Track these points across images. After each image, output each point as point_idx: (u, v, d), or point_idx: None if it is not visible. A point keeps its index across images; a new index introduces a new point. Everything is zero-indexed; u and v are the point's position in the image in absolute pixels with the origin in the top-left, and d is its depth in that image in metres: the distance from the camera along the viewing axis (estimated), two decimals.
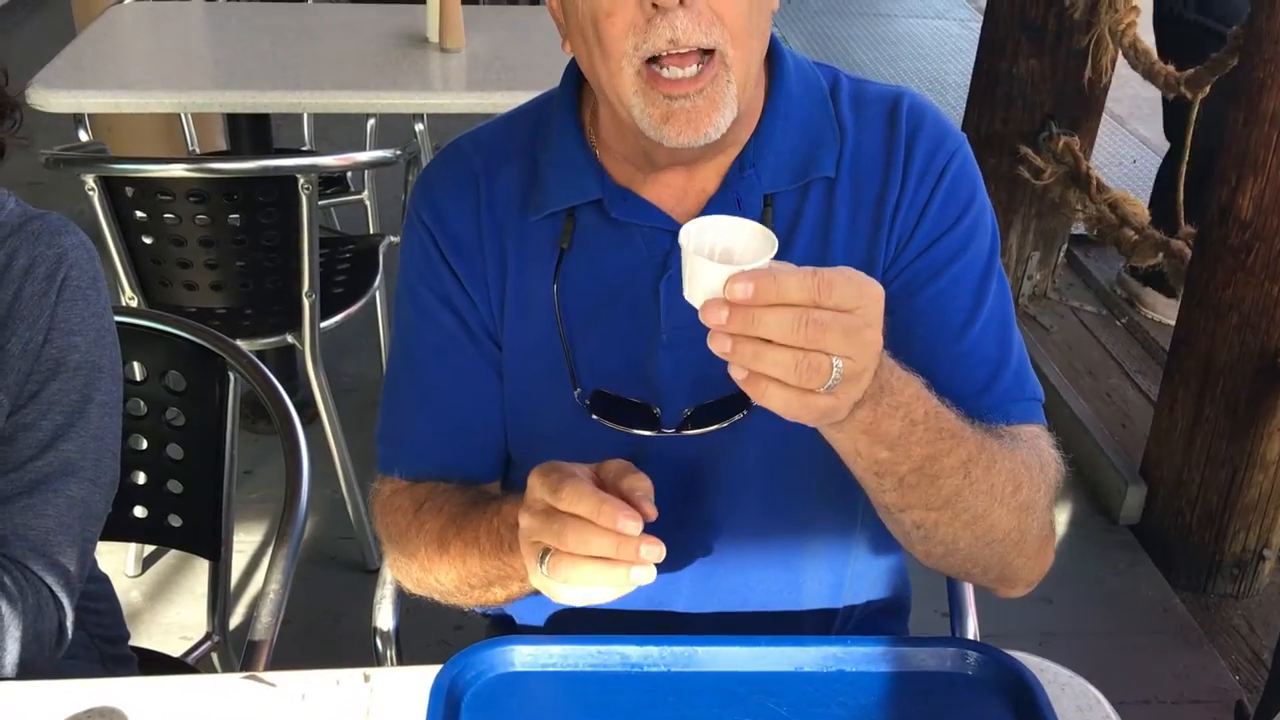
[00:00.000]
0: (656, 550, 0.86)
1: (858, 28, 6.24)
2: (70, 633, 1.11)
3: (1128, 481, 2.61)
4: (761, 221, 1.04)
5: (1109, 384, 3.20)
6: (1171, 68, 2.77)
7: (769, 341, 0.78)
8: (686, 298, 0.81)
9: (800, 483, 1.11)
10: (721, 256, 0.82)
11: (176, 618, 2.27)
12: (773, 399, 0.80)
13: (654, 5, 0.92)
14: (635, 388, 1.09)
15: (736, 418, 1.06)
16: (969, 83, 3.39)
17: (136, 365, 1.51)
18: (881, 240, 1.07)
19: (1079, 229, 3.47)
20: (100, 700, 0.95)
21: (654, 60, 0.95)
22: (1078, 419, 2.86)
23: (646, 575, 0.87)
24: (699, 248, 0.81)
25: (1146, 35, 3.01)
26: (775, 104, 1.07)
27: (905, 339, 1.05)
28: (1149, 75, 2.83)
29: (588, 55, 1.00)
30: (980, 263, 1.07)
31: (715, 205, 1.06)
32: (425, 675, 0.97)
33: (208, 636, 1.57)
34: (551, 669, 0.99)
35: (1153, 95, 2.88)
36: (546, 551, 0.89)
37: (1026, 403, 1.08)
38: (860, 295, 0.79)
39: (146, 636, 2.21)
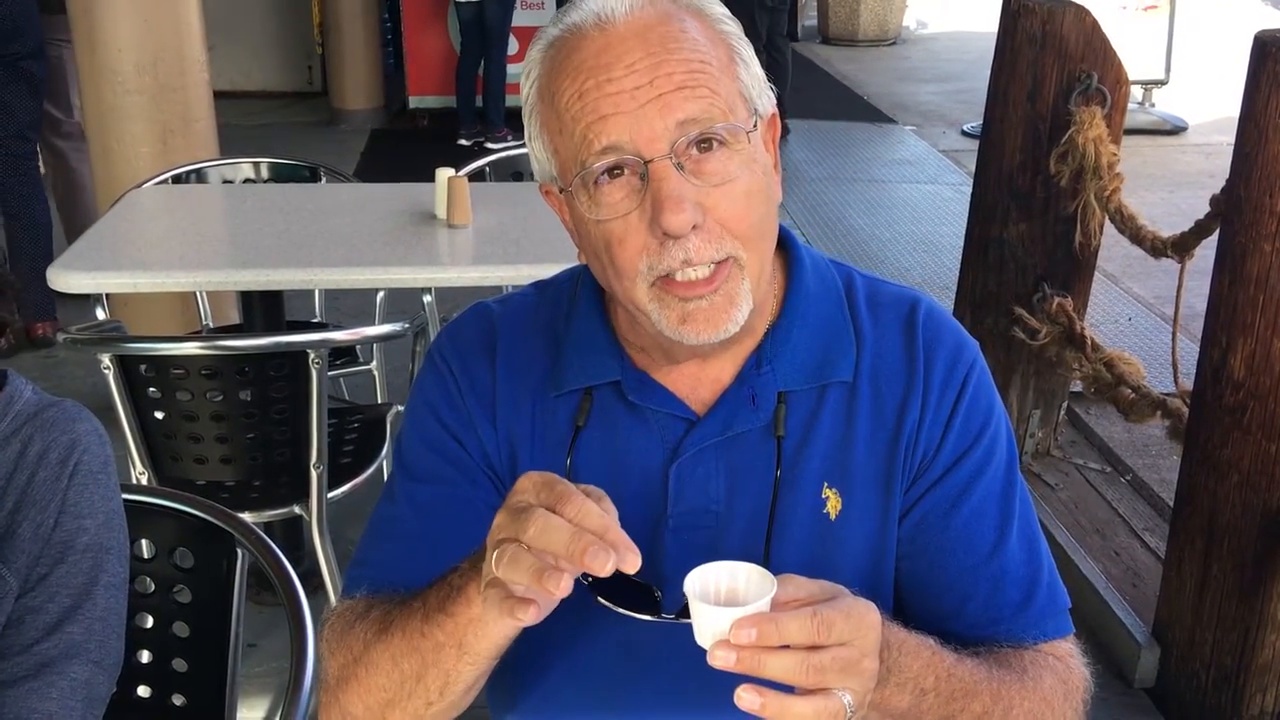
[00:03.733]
0: (603, 556, 0.84)
1: (854, 193, 6.43)
2: None
3: (1141, 644, 2.58)
4: (774, 419, 1.08)
5: (1117, 542, 3.18)
6: (1158, 231, 2.85)
7: None
8: (697, 640, 0.86)
9: None
10: (726, 597, 0.88)
11: None
12: None
13: (665, 233, 0.97)
14: (640, 572, 1.09)
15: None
16: (962, 245, 3.48)
17: (145, 543, 1.52)
18: (902, 451, 1.08)
19: (1076, 387, 3.50)
20: None
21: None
22: (1087, 580, 2.84)
23: (565, 586, 0.85)
24: (703, 592, 0.87)
25: (1136, 196, 3.10)
26: (793, 302, 1.10)
27: (941, 563, 1.09)
28: (1136, 240, 2.91)
29: (602, 270, 1.04)
30: (1003, 473, 1.10)
31: (729, 398, 1.08)
32: None
33: None
34: None
35: (1144, 254, 2.95)
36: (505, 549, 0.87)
37: (1058, 616, 1.10)
38: (858, 628, 0.84)
39: None
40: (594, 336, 1.12)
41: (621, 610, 1.07)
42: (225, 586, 1.50)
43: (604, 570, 0.83)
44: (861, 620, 0.84)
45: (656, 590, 1.08)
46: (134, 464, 2.23)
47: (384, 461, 2.60)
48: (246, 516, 2.15)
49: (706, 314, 0.99)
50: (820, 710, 0.82)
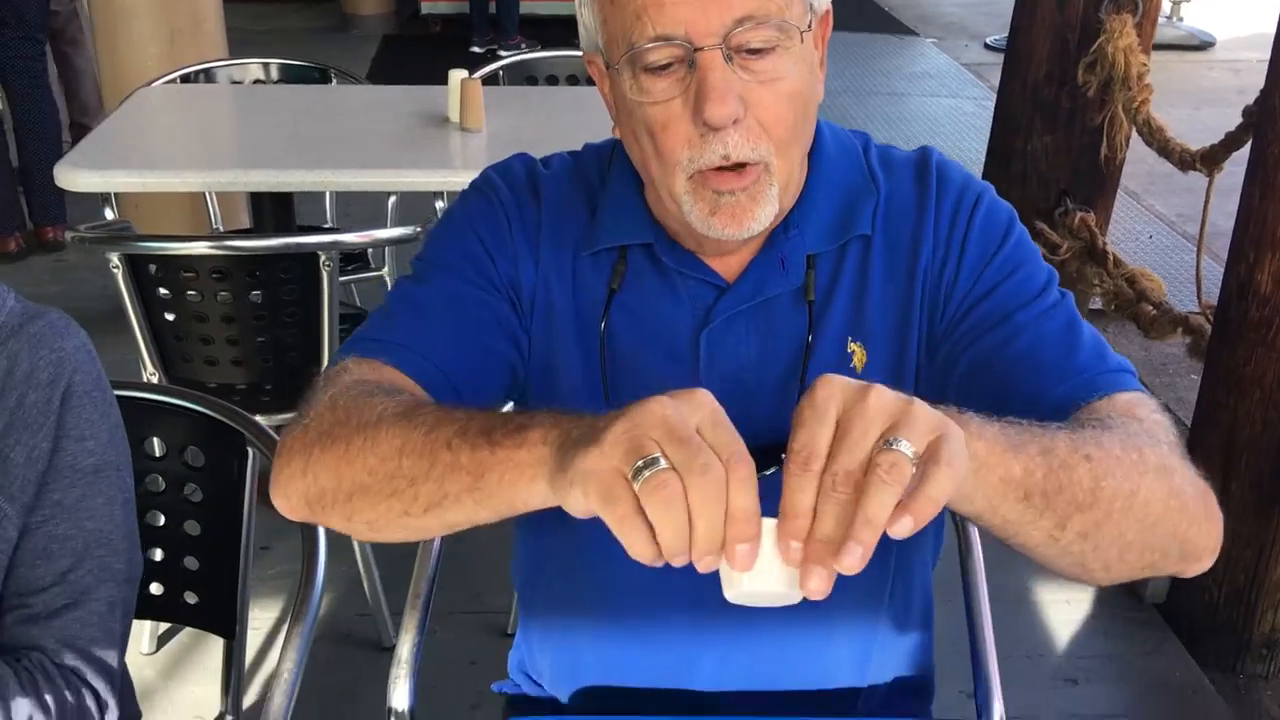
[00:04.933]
0: (749, 558, 0.73)
1: (874, 107, 6.32)
2: None
3: None
4: (805, 283, 1.08)
5: None
6: (1186, 144, 2.79)
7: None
8: (737, 593, 0.76)
9: None
10: None
11: (191, 696, 2.25)
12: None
13: (706, 123, 0.96)
14: None
15: (767, 472, 1.06)
16: (984, 159, 3.41)
17: (156, 441, 1.51)
18: (917, 293, 1.09)
19: (1096, 304, 3.46)
20: None
21: None
22: None
23: (680, 563, 0.73)
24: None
25: (1160, 112, 3.03)
26: (817, 171, 1.11)
27: (972, 355, 1.06)
28: (1164, 152, 2.85)
29: (640, 153, 1.04)
30: (1039, 274, 1.07)
31: (759, 263, 1.09)
32: None
33: (221, 716, 1.55)
34: None
35: (1167, 171, 2.89)
36: (652, 464, 0.71)
37: (1113, 374, 1.01)
38: (822, 401, 0.74)
39: (161, 716, 2.19)
40: (629, 202, 1.12)
41: None
42: (236, 486, 1.49)
43: (741, 568, 0.73)
44: (814, 396, 0.74)
45: None
46: (144, 366, 2.21)
47: None
48: (258, 420, 2.14)
49: (733, 210, 1.01)
50: (884, 501, 0.70)
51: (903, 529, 0.70)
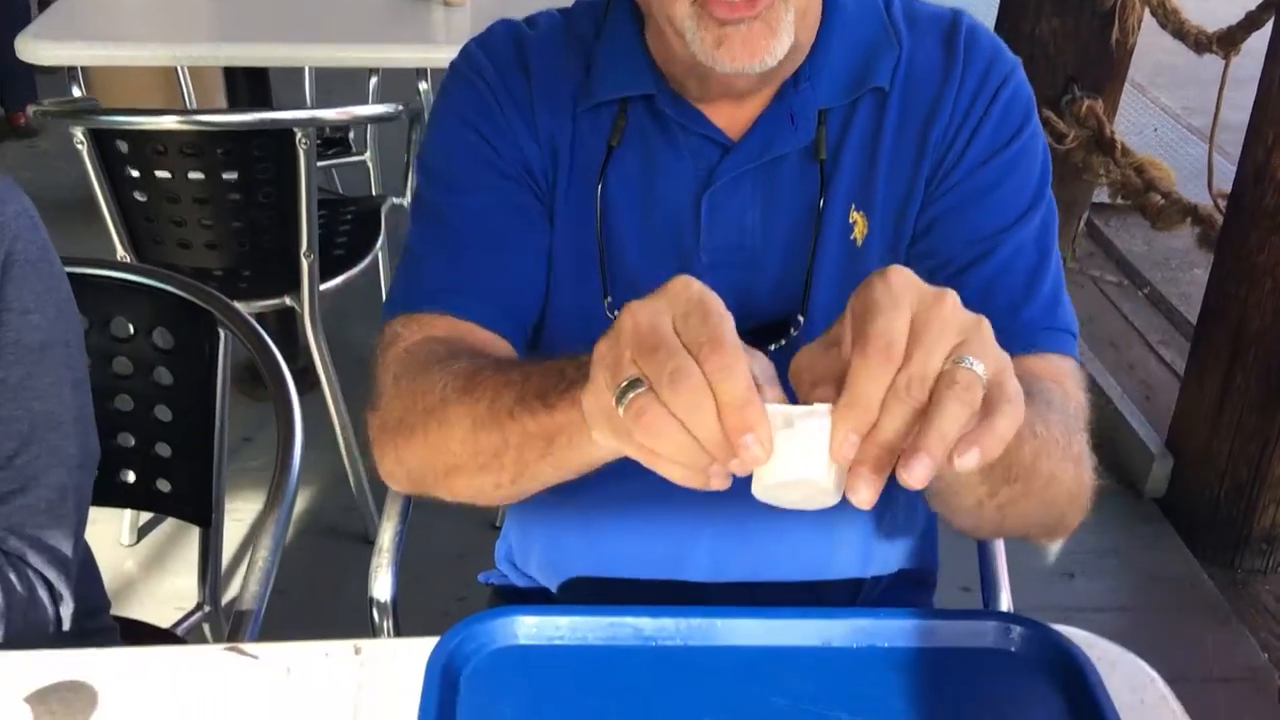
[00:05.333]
0: (758, 453, 0.65)
1: None
2: (67, 622, 1.05)
3: (1154, 455, 2.53)
4: (816, 141, 1.00)
5: (1132, 355, 3.12)
6: (1202, 26, 2.67)
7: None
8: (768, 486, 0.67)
9: None
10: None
11: (172, 588, 2.21)
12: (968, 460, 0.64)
13: None
14: None
15: (773, 346, 1.00)
16: None
17: (122, 321, 1.43)
18: (929, 156, 1.01)
19: (1099, 197, 3.37)
20: (69, 674, 0.87)
21: None
22: (1101, 391, 2.78)
23: (723, 482, 0.67)
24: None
25: None
26: (831, 20, 1.01)
27: (944, 259, 1.00)
28: (1178, 34, 2.73)
29: None
30: (1030, 186, 1.01)
31: (767, 118, 1.01)
32: (421, 648, 0.89)
33: (198, 607, 1.50)
34: (558, 642, 0.92)
35: (1174, 62, 2.78)
36: (633, 385, 0.65)
37: (1057, 333, 1.00)
38: (898, 292, 0.66)
39: (140, 607, 2.15)
40: (628, 51, 1.03)
41: None
42: (208, 370, 1.41)
43: (746, 470, 0.65)
44: (889, 282, 0.66)
45: None
46: (115, 249, 2.12)
47: (379, 254, 2.51)
48: (237, 306, 2.06)
49: (744, 39, 0.90)
50: (958, 418, 0.63)
51: (968, 462, 0.63)
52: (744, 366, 0.64)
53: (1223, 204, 2.50)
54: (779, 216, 1.02)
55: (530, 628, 0.92)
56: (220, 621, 1.50)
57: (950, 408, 0.63)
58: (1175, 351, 3.09)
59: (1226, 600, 2.31)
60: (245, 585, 1.17)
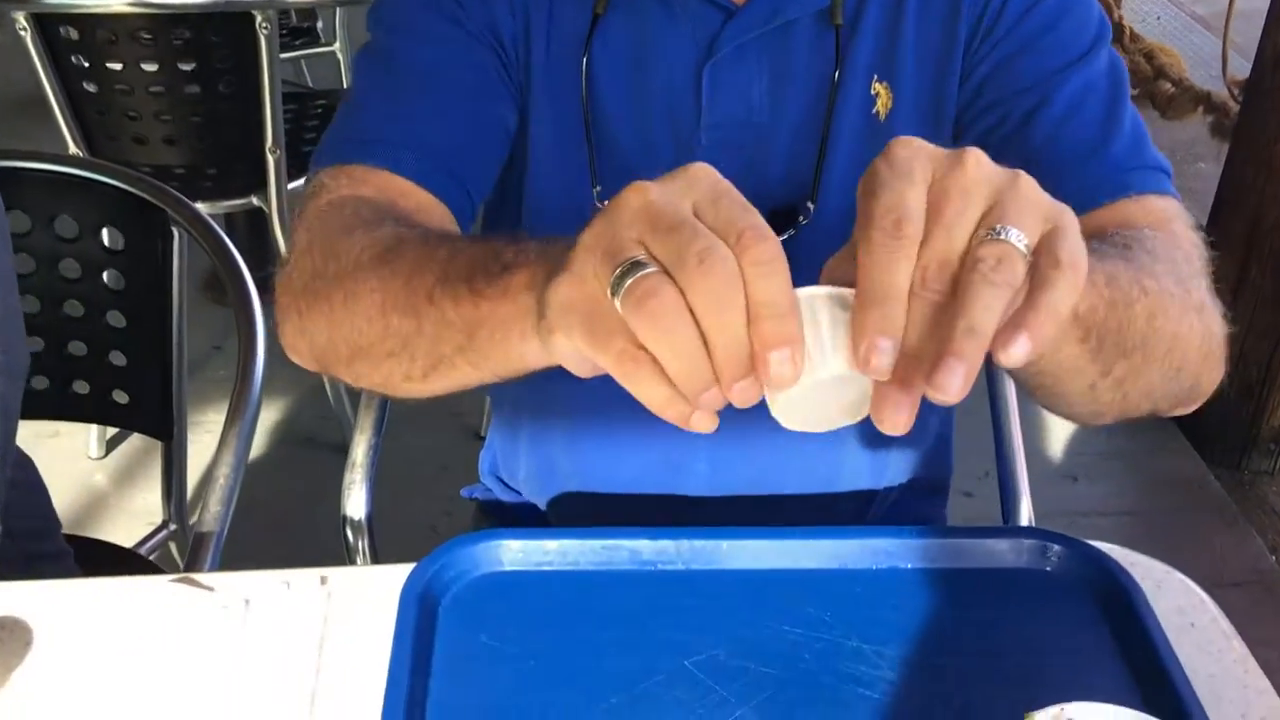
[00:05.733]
0: (789, 370, 0.52)
1: None
2: None
3: None
4: (832, 4, 0.88)
5: None
6: None
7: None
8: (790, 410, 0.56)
9: None
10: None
11: (144, 503, 2.12)
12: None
13: None
14: None
15: (781, 238, 0.90)
16: None
17: (67, 220, 1.32)
18: (964, 15, 0.90)
19: None
20: (0, 610, 0.78)
21: None
22: None
23: (708, 424, 0.55)
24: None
25: None
26: None
27: (1001, 116, 0.89)
28: None
29: None
30: (1091, 24, 0.89)
31: None
32: (395, 576, 0.80)
33: (164, 525, 1.41)
34: (547, 568, 0.83)
35: None
36: (635, 268, 0.52)
37: (1149, 171, 0.86)
38: (911, 155, 0.54)
39: (110, 524, 2.06)
40: None
41: None
42: (162, 273, 1.30)
43: (750, 400, 0.52)
44: (892, 155, 0.55)
45: None
46: (66, 145, 1.99)
47: None
48: (200, 207, 1.94)
49: None
50: (990, 305, 0.50)
51: (1017, 354, 0.51)
52: (784, 266, 0.52)
53: (1238, 91, 2.38)
54: (789, 89, 0.91)
55: (515, 552, 0.83)
56: (186, 541, 1.42)
57: (980, 294, 0.50)
58: None
59: (1234, 502, 2.25)
60: (205, 506, 1.08)
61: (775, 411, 0.57)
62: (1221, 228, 2.29)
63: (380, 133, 0.88)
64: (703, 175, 0.55)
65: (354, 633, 0.79)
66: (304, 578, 0.82)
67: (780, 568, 0.83)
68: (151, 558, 1.38)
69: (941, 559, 0.83)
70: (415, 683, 0.73)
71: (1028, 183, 0.54)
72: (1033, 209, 0.53)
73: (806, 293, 0.54)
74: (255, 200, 2.10)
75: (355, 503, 1.13)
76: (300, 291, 0.79)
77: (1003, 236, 0.52)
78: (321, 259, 0.78)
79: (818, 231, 0.91)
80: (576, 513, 1.08)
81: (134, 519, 2.06)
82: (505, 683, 0.74)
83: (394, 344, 0.73)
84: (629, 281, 0.51)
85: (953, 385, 0.50)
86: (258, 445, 2.24)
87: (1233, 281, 2.26)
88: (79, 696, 0.73)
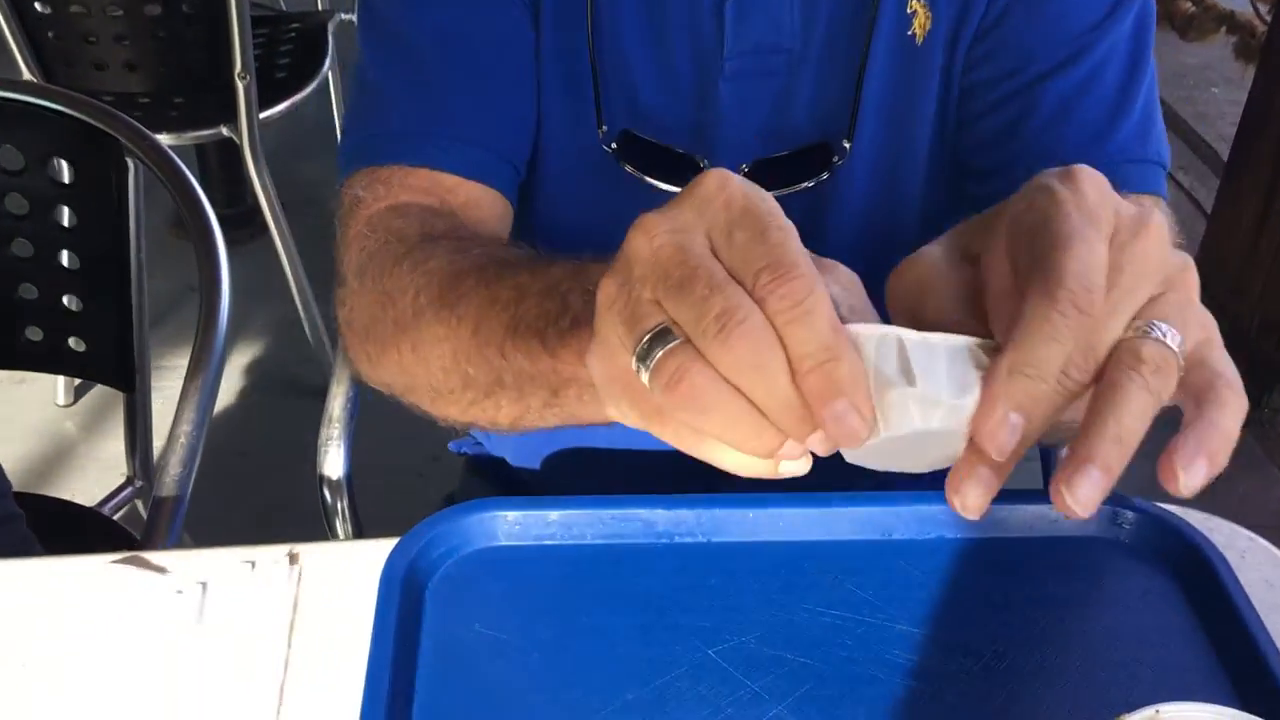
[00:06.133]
0: (857, 426, 0.43)
1: None
2: None
3: None
4: None
5: None
6: None
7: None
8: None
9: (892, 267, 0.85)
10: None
11: (114, 453, 1.98)
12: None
13: None
14: (679, 134, 0.81)
15: (809, 184, 0.79)
16: None
17: (11, 151, 1.19)
18: None
19: None
20: None
21: None
22: None
23: (801, 467, 0.46)
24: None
25: None
26: None
27: (1016, 63, 0.80)
28: None
29: None
30: None
31: None
32: (376, 552, 0.70)
33: (129, 481, 1.31)
34: (548, 542, 0.72)
35: None
36: (661, 337, 0.44)
37: (1147, 166, 0.81)
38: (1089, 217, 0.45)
39: (80, 474, 1.96)
40: None
41: (658, 182, 0.80)
42: (118, 209, 1.19)
43: (833, 449, 0.44)
44: (1082, 191, 0.45)
45: (702, 159, 0.81)
46: (20, 71, 1.86)
47: (327, 76, 2.24)
48: (165, 139, 1.81)
49: None
50: (1143, 409, 0.43)
51: (1195, 482, 0.44)
52: (825, 298, 0.43)
53: (1264, 10, 2.26)
54: (820, 7, 0.80)
55: (512, 524, 0.73)
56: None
57: (1137, 399, 0.42)
58: (1192, 176, 2.89)
59: (1253, 440, 2.16)
60: (164, 467, 0.97)
61: (849, 458, 0.47)
62: (1247, 154, 2.18)
63: (410, 125, 0.78)
64: (715, 193, 0.45)
65: (328, 620, 0.69)
66: (270, 556, 0.72)
67: (816, 539, 0.72)
68: (116, 517, 1.28)
69: (1000, 528, 0.73)
70: (398, 678, 0.63)
71: (1193, 279, 0.47)
72: (1195, 314, 0.46)
73: (910, 337, 0.44)
74: (225, 131, 1.97)
75: (333, 461, 1.03)
76: (364, 337, 0.74)
77: (1165, 339, 0.44)
78: (377, 303, 0.71)
79: (854, 172, 0.82)
80: (574, 474, 0.98)
81: (105, 470, 1.95)
82: (502, 678, 0.65)
83: (476, 394, 0.67)
84: (653, 361, 0.43)
85: (1092, 497, 0.42)
86: (231, 393, 2.14)
87: (1259, 211, 2.15)
88: (4, 697, 0.63)
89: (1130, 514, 0.73)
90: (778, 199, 0.81)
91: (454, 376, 0.67)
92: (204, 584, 0.70)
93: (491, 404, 0.66)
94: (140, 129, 1.16)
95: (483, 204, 0.79)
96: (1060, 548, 0.72)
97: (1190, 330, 0.45)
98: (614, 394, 0.48)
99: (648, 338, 0.44)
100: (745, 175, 0.80)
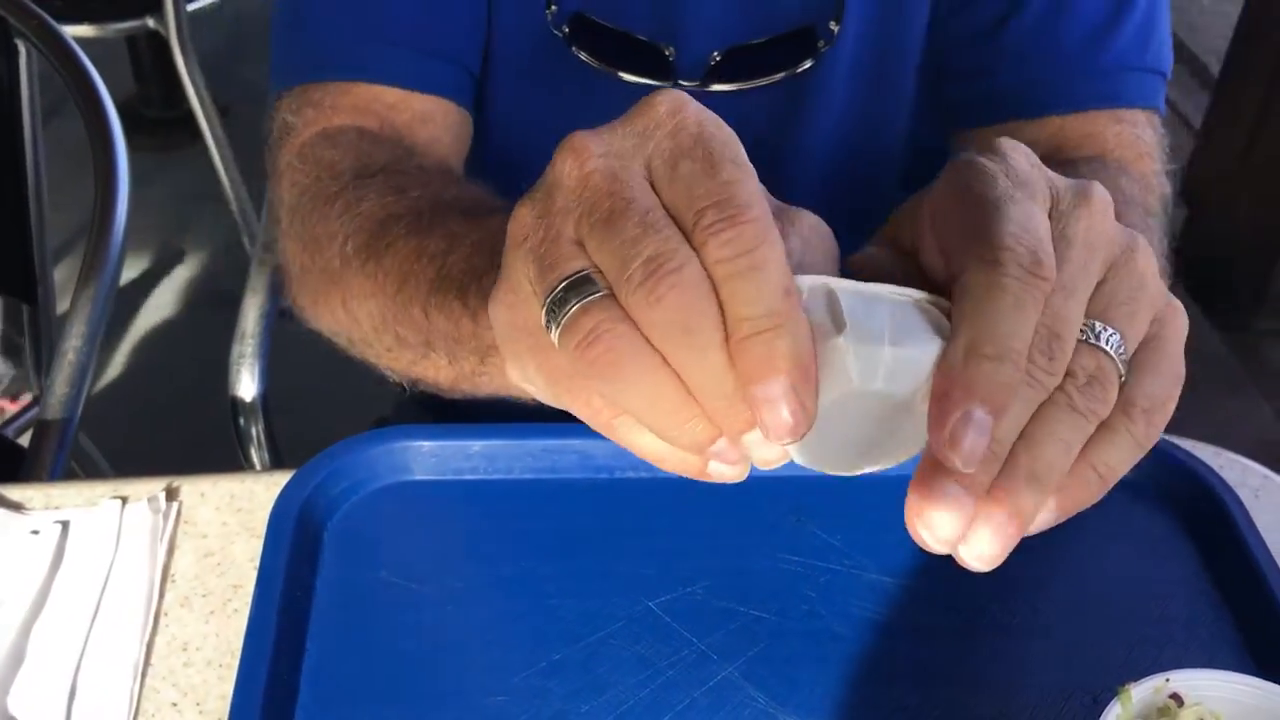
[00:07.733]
0: (798, 419, 0.33)
1: None
2: None
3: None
4: None
5: None
6: None
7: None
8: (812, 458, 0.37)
9: (875, 179, 0.75)
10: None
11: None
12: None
13: None
14: (638, 17, 0.71)
15: (783, 74, 0.69)
16: None
17: None
18: None
19: None
20: None
21: None
22: None
23: (734, 473, 0.37)
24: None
25: None
26: None
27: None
28: None
29: None
30: None
31: None
32: (269, 487, 0.61)
33: (34, 401, 1.20)
34: (469, 477, 0.63)
35: None
36: (578, 286, 0.35)
37: (1146, 76, 0.73)
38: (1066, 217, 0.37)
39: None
40: None
41: (612, 70, 0.70)
42: (9, 98, 1.06)
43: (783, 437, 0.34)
44: (1013, 161, 0.38)
45: (666, 47, 0.69)
46: None
47: None
48: (86, 29, 1.67)
49: None
50: (1073, 433, 0.35)
51: (1045, 521, 0.36)
52: (778, 251, 0.33)
53: None
54: None
55: (427, 456, 0.63)
56: None
57: (1060, 421, 0.34)
58: (1181, 91, 2.79)
59: (1239, 362, 2.10)
60: (49, 387, 0.87)
61: (799, 460, 0.37)
62: (1239, 71, 2.09)
63: (341, 32, 0.67)
64: (665, 118, 0.36)
65: (208, 566, 0.59)
66: (145, 490, 0.62)
67: (774, 475, 0.63)
68: (21, 440, 1.18)
69: None
70: (285, 635, 0.54)
71: (1145, 256, 0.37)
72: (1146, 304, 0.37)
73: (864, 291, 0.35)
74: (151, 22, 1.83)
75: (246, 382, 0.93)
76: (299, 285, 0.64)
77: (1102, 343, 0.35)
78: (305, 250, 0.62)
79: (840, 61, 0.71)
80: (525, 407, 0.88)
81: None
82: (410, 633, 0.56)
83: (412, 354, 0.57)
84: (566, 316, 0.34)
85: (994, 552, 0.34)
86: (161, 308, 2.02)
87: (1250, 128, 2.07)
88: None
89: None
90: (750, 93, 0.70)
91: (386, 335, 0.58)
92: (64, 523, 0.60)
93: (430, 365, 0.57)
94: (28, 7, 1.03)
95: (433, 118, 0.68)
96: None
97: (1137, 329, 0.36)
98: (518, 352, 0.39)
99: (563, 285, 0.35)
100: (716, 65, 0.70)
